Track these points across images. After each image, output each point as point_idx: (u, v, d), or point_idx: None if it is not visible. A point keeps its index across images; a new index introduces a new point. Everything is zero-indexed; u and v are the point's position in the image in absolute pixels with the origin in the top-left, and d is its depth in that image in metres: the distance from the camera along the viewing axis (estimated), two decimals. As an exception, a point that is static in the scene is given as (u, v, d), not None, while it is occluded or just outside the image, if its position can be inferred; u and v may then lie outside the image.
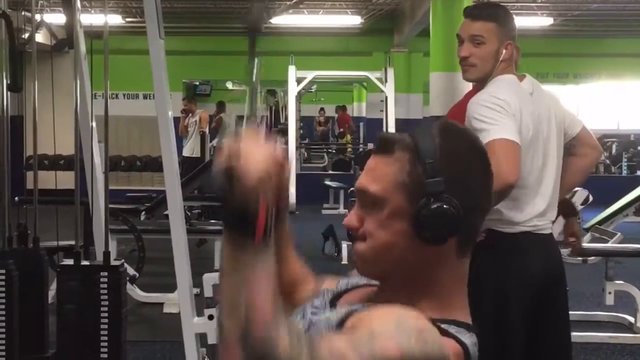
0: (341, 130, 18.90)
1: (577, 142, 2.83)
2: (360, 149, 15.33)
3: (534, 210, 2.65)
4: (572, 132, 2.81)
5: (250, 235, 1.01)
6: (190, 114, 11.87)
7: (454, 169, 1.18)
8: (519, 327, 2.62)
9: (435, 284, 1.20)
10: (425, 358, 1.07)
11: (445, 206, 1.16)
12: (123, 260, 3.78)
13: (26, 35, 4.74)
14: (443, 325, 1.15)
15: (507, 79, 2.72)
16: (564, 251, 5.73)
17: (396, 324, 1.09)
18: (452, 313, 1.19)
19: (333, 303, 1.29)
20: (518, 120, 2.55)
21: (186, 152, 11.72)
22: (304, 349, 1.01)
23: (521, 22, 12.55)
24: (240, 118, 15.16)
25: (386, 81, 12.82)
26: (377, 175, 1.21)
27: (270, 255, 1.03)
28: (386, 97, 12.80)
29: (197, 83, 19.16)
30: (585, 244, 5.83)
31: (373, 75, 13.08)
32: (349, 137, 17.97)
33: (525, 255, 2.64)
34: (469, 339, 1.17)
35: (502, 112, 2.52)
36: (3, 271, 3.55)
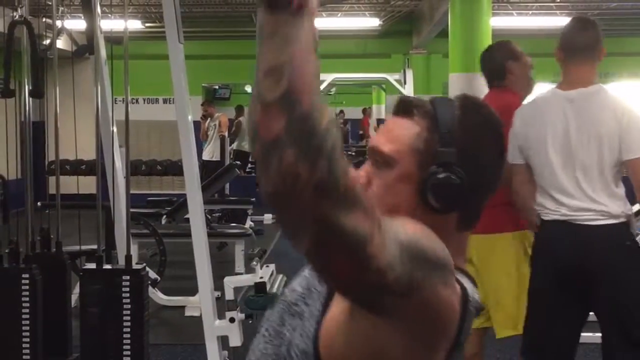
0: (361, 132, 18.95)
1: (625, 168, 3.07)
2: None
3: (557, 202, 3.08)
4: (621, 156, 3.00)
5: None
6: (210, 118, 11.89)
7: (468, 143, 1.18)
8: (541, 295, 3.19)
9: None
10: (439, 258, 1.05)
11: (453, 177, 1.16)
12: (145, 264, 3.80)
13: (47, 42, 4.79)
14: None
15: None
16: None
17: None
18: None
19: None
20: (522, 131, 3.15)
21: (206, 156, 11.74)
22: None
23: (540, 22, 12.51)
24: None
25: (405, 83, 12.81)
26: (393, 136, 1.21)
27: (311, 25, 0.92)
28: (405, 99, 12.79)
29: (217, 87, 19.22)
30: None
31: (392, 77, 13.07)
32: None
33: (549, 238, 3.14)
34: (468, 283, 1.17)
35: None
36: (27, 275, 3.58)
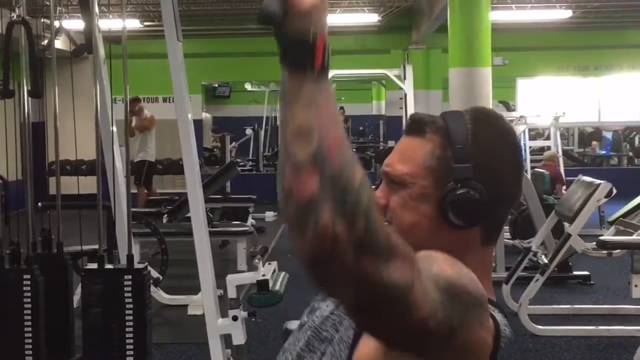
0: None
1: None
2: (381, 147, 15.28)
3: None
4: None
5: (309, 61, 0.91)
6: (138, 116, 11.11)
7: (483, 157, 1.18)
8: None
9: None
10: (476, 297, 1.05)
11: (471, 192, 1.15)
12: (146, 263, 3.79)
13: (45, 42, 4.77)
14: None
15: None
16: (589, 245, 5.71)
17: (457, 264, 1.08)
18: None
19: None
20: None
21: (137, 155, 10.66)
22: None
23: (540, 15, 12.48)
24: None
25: (405, 78, 12.79)
26: (407, 155, 1.21)
27: (330, 84, 0.95)
28: (405, 95, 12.77)
29: (216, 85, 19.22)
30: (610, 237, 5.79)
31: (392, 73, 13.05)
32: None
33: None
34: (500, 317, 1.16)
35: None
36: (28, 276, 3.57)
